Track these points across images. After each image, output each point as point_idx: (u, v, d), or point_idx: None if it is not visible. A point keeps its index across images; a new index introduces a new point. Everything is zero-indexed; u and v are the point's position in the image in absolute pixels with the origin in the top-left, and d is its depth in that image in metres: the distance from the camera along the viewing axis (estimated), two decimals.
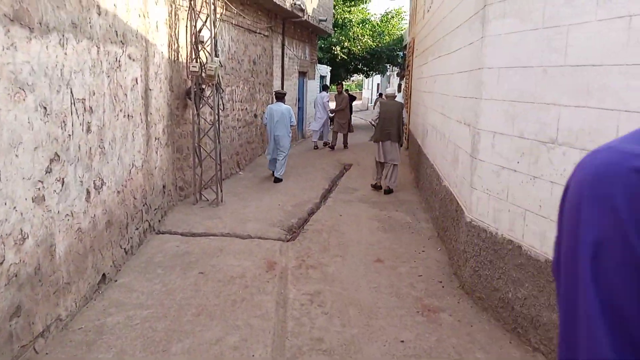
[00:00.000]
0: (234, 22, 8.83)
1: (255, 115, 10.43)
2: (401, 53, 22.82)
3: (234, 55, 8.96)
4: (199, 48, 6.80)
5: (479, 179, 3.82)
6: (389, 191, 8.06)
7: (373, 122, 8.20)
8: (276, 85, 11.93)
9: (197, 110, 6.92)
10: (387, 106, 8.00)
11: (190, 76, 6.85)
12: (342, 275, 4.52)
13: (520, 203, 3.31)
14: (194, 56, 6.81)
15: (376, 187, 8.35)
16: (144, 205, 5.30)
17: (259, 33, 10.39)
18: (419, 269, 4.69)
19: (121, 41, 4.61)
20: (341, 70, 22.49)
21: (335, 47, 20.52)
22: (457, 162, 4.75)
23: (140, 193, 5.19)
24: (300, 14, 11.86)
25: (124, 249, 4.69)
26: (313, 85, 15.85)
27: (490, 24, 3.62)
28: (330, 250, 5.25)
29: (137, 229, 5.08)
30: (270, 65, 11.36)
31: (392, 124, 7.87)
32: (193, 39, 6.80)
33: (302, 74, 14.69)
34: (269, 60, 11.23)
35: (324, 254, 5.13)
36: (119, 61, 4.56)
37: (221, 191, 7.12)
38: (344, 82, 28.43)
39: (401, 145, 8.14)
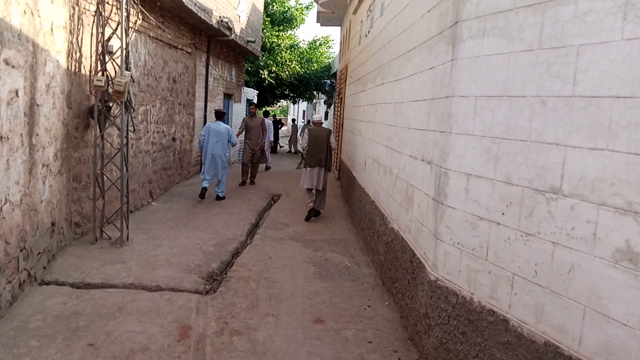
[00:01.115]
0: (152, 35, 7.82)
1: (174, 139, 9.34)
2: (329, 81, 22.61)
3: (151, 71, 7.92)
4: (107, 59, 5.73)
5: (446, 230, 3.14)
6: (317, 213, 8.16)
7: (303, 150, 8.22)
8: (199, 107, 10.92)
9: (100, 132, 5.81)
10: (315, 132, 8.01)
11: (94, 91, 5.75)
12: (276, 345, 3.62)
13: (506, 265, 2.64)
14: (99, 68, 5.72)
15: (310, 213, 8.11)
16: (21, 251, 4.12)
17: (181, 49, 9.41)
18: (367, 333, 3.91)
19: None
20: (268, 94, 21.80)
21: (262, 70, 19.81)
22: (410, 204, 4.08)
23: (15, 236, 4.01)
24: (227, 32, 11.03)
25: None
26: (239, 108, 14.95)
27: (464, 45, 3.01)
28: (260, 307, 4.34)
29: (8, 282, 3.88)
30: (192, 85, 10.35)
31: (322, 149, 7.92)
32: (99, 49, 5.73)
33: (228, 96, 13.77)
34: (191, 79, 10.24)
35: (252, 312, 4.21)
36: None
37: (127, 228, 5.99)
38: (270, 108, 27.74)
39: (329, 171, 8.17)
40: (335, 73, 18.25)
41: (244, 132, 10.85)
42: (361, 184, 7.28)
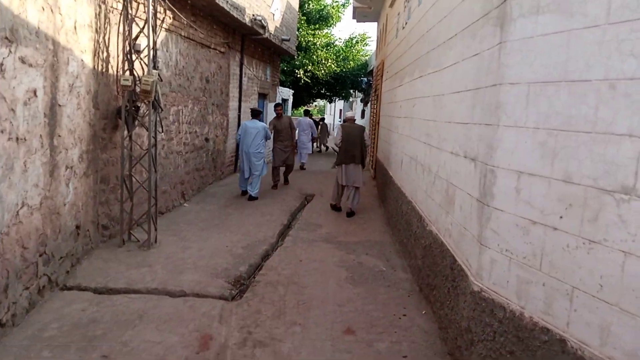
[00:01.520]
0: (183, 34, 7.69)
1: (207, 139, 9.22)
2: (365, 79, 22.22)
3: (183, 70, 7.80)
4: (134, 58, 5.60)
5: (493, 235, 2.77)
6: (351, 214, 8.05)
7: (336, 147, 8.26)
8: (232, 107, 10.79)
9: (128, 132, 5.68)
10: (349, 129, 8.06)
11: (121, 91, 5.63)
12: (302, 359, 3.34)
13: (564, 276, 2.26)
14: (126, 67, 5.60)
15: (336, 207, 8.31)
16: (40, 256, 3.99)
17: (214, 49, 9.28)
18: (402, 346, 3.57)
19: (6, 37, 3.38)
20: (304, 94, 21.63)
21: (298, 70, 19.64)
22: (451, 205, 3.71)
23: (35, 240, 3.89)
24: (261, 31, 10.86)
25: None
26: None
27: (515, 24, 2.63)
28: (287, 315, 4.07)
29: (26, 288, 3.76)
30: (226, 85, 10.23)
31: (356, 146, 7.92)
32: (127, 47, 5.60)
33: (263, 96, 13.62)
34: (225, 79, 10.11)
35: (278, 321, 3.94)
36: (1, 64, 3.32)
37: (155, 230, 5.84)
38: (308, 106, 27.59)
39: (364, 168, 8.20)
40: (372, 71, 17.86)
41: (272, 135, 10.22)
42: (397, 183, 6.92)
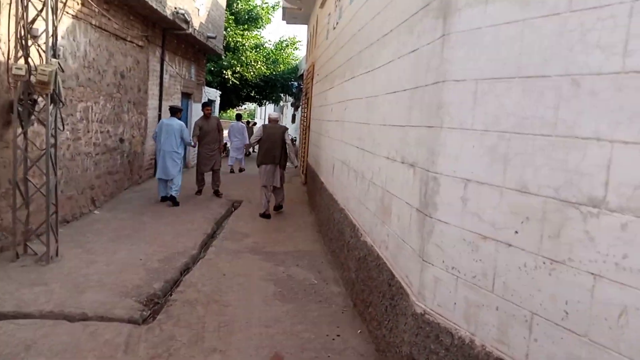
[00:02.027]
0: (94, 23, 6.94)
1: (122, 140, 8.43)
2: (296, 83, 21.92)
3: (93, 63, 7.03)
4: (30, 44, 4.86)
5: (437, 250, 2.47)
6: (279, 207, 8.34)
7: (253, 144, 8.44)
8: (152, 106, 10.02)
9: (23, 130, 4.93)
10: (270, 129, 8.07)
11: (13, 82, 4.86)
12: None
13: (521, 301, 1.99)
14: (20, 55, 4.85)
15: (265, 215, 8.00)
16: None
17: (131, 42, 8.53)
18: None
19: None
20: (232, 96, 20.91)
21: (226, 71, 18.94)
22: (387, 215, 3.41)
23: None
24: (184, 25, 10.19)
25: None
26: (199, 109, 14.05)
27: (460, 15, 2.36)
28: (206, 340, 3.58)
29: None
30: (144, 82, 9.46)
31: (276, 147, 7.94)
32: (21, 32, 4.85)
33: (187, 96, 12.89)
34: (143, 75, 9.35)
35: (195, 348, 3.44)
36: None
37: (56, 242, 5.12)
38: (238, 109, 26.81)
39: (284, 169, 8.27)
40: (302, 75, 17.58)
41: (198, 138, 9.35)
42: (329, 189, 6.60)
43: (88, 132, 7.01)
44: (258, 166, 8.18)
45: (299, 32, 46.17)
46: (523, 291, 1.99)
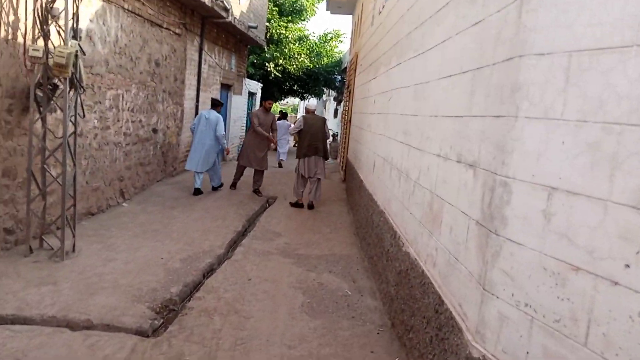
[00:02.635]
0: (126, 7, 6.62)
1: (155, 130, 8.14)
2: (339, 77, 21.35)
3: (125, 49, 6.72)
4: (48, 23, 4.53)
5: (504, 278, 1.88)
6: (311, 206, 7.95)
7: (293, 132, 8.27)
8: (189, 96, 9.72)
9: (40, 115, 4.61)
10: (310, 120, 7.88)
11: (30, 64, 4.54)
12: None
13: None
14: (37, 35, 4.52)
15: (297, 204, 8.03)
16: None
17: (167, 29, 8.21)
18: None
19: None
20: (274, 89, 20.55)
21: (269, 63, 18.59)
22: (437, 225, 2.82)
23: None
24: (223, 13, 9.82)
25: None
26: (239, 101, 13.75)
27: None
28: None
29: None
30: (181, 71, 9.15)
31: (318, 138, 7.79)
32: (39, 11, 4.52)
33: (226, 87, 12.57)
34: (180, 64, 9.03)
35: None
36: None
37: (73, 236, 4.79)
38: (277, 103, 26.50)
39: (326, 160, 8.12)
40: (346, 68, 17.00)
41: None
42: (368, 188, 6.03)
43: (118, 121, 6.71)
44: (300, 158, 7.95)
45: (343, 23, 45.34)
46: (635, 351, 1.38)
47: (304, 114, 8.22)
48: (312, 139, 7.77)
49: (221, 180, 8.75)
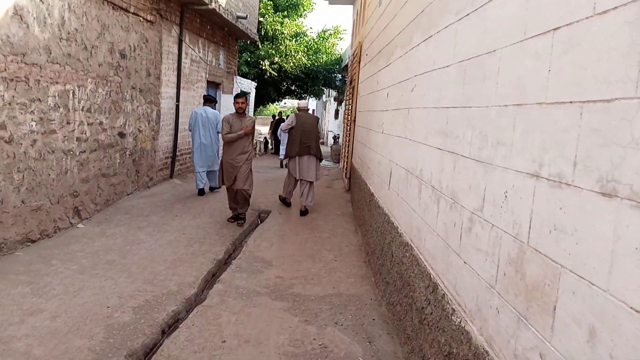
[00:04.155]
0: None
1: (122, 135, 6.82)
2: (339, 75, 20.04)
3: (75, 35, 5.41)
4: None
5: None
6: (305, 212, 7.32)
7: (285, 129, 7.59)
8: (167, 94, 8.40)
9: None
10: (303, 118, 7.47)
11: None
12: None
13: None
14: None
15: (285, 202, 7.72)
16: None
17: (136, 14, 6.90)
18: None
19: None
20: (270, 89, 19.24)
21: (263, 61, 17.28)
22: (541, 307, 1.50)
23: None
24: None
25: None
26: (230, 101, 12.40)
27: None
28: None
29: None
30: (156, 65, 7.84)
31: (311, 137, 7.39)
32: None
33: (214, 85, 11.27)
34: (154, 56, 7.73)
35: None
36: None
37: None
38: (276, 104, 25.21)
39: (321, 161, 7.67)
40: (346, 66, 15.68)
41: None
42: (383, 205, 4.71)
43: (68, 123, 5.40)
44: (289, 158, 7.48)
45: (343, 19, 43.63)
46: None
47: (296, 112, 7.79)
48: (305, 137, 7.31)
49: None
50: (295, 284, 4.51)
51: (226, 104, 12.04)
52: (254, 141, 19.58)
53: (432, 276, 2.77)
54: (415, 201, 3.37)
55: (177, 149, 9.01)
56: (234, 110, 6.44)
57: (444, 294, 2.52)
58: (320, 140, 7.76)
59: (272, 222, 6.90)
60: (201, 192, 8.09)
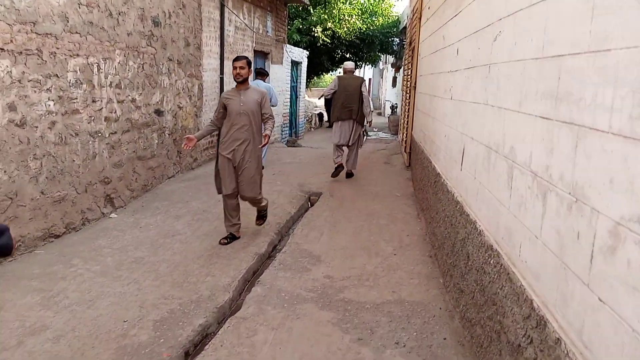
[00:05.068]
0: None
1: (159, 112, 6.25)
2: (397, 39, 18.72)
3: (96, 0, 4.80)
4: None
5: None
6: (350, 174, 7.47)
7: (327, 97, 7.43)
8: (209, 66, 7.77)
9: None
10: (345, 81, 7.20)
11: None
12: None
13: None
14: None
15: (335, 171, 7.26)
16: None
17: None
18: None
19: None
20: (324, 58, 18.27)
21: (315, 28, 16.32)
22: None
23: None
24: None
25: None
26: (280, 73, 11.68)
27: None
28: None
29: None
30: (194, 33, 7.19)
31: (354, 100, 7.10)
32: None
33: (262, 55, 10.54)
34: (193, 24, 7.07)
35: None
36: None
37: None
38: (330, 74, 24.30)
39: (362, 126, 7.41)
40: (405, 29, 14.42)
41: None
42: (453, 190, 3.82)
43: (94, 101, 4.85)
44: (331, 123, 7.41)
45: None
46: None
47: (340, 75, 7.50)
48: (347, 101, 7.06)
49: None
50: (347, 286, 3.76)
51: (277, 76, 11.31)
52: (309, 114, 18.89)
53: (534, 304, 1.92)
54: (502, 191, 2.48)
55: None
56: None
57: (558, 339, 1.67)
58: (371, 108, 7.34)
59: (323, 206, 6.15)
60: None
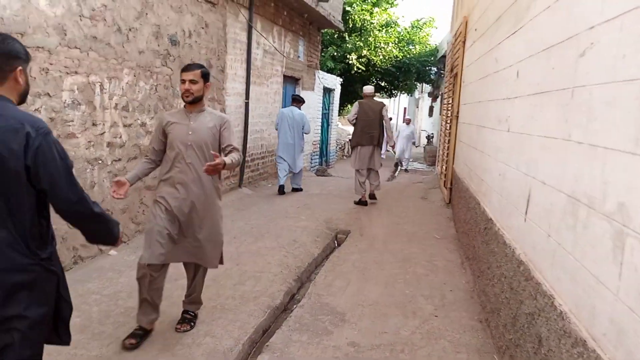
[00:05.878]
0: None
1: None
2: (434, 68, 18.06)
3: (104, 12, 4.34)
4: None
5: None
6: (372, 196, 7.48)
7: (351, 120, 7.34)
8: (233, 90, 7.25)
9: None
10: (366, 106, 7.21)
11: None
12: None
13: None
14: None
15: (361, 202, 7.25)
16: None
17: None
18: None
19: None
20: (357, 85, 17.73)
21: (350, 55, 15.84)
22: None
23: None
24: None
25: None
26: (311, 99, 11.13)
27: None
28: None
29: None
30: (218, 55, 6.70)
31: (374, 125, 7.15)
32: None
33: (292, 81, 10.03)
34: (214, 45, 6.58)
35: None
36: None
37: None
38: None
39: (381, 149, 7.52)
40: (443, 57, 13.76)
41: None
42: (512, 245, 3.04)
43: (94, 125, 4.33)
44: (353, 148, 7.44)
45: (438, 6, 39.94)
46: None
47: (361, 100, 7.47)
48: (368, 126, 7.10)
49: (300, 185, 8.31)
50: (377, 359, 3.01)
51: (307, 103, 10.75)
52: (340, 142, 18.25)
53: None
54: (603, 265, 1.72)
55: (247, 153, 7.87)
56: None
57: None
58: (392, 132, 7.52)
59: (351, 247, 5.42)
60: (281, 189, 7.86)
